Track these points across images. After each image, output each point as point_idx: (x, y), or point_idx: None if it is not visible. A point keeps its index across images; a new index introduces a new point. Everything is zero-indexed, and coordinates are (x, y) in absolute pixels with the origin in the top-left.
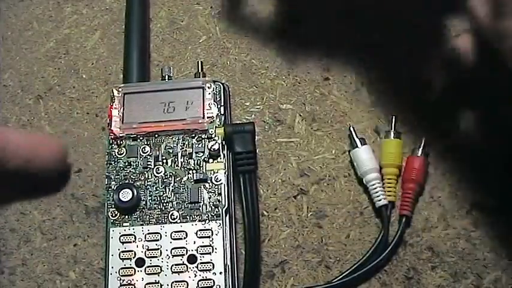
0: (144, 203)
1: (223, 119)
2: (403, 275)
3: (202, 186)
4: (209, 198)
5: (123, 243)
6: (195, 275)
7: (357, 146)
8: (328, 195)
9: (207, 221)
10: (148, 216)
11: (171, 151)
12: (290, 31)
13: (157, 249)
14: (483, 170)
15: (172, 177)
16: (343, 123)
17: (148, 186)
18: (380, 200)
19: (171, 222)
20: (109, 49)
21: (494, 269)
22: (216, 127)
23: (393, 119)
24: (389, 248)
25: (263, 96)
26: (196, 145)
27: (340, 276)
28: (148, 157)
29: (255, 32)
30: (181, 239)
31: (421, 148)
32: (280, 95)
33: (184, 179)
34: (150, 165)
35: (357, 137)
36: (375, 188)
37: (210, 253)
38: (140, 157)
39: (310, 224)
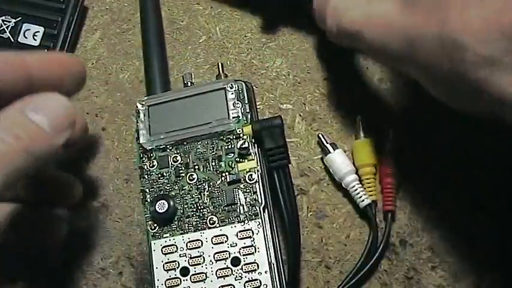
0: (181, 211)
1: (249, 116)
2: (403, 275)
3: (237, 187)
4: (245, 198)
5: (165, 254)
6: (241, 277)
7: (329, 152)
8: (328, 195)
9: (246, 221)
10: (187, 225)
11: (201, 156)
12: (290, 31)
13: (200, 256)
14: (484, 169)
15: (206, 182)
16: None
17: (183, 195)
18: (363, 201)
19: (210, 228)
20: (109, 49)
21: (494, 269)
22: (243, 126)
23: (359, 121)
24: (380, 247)
25: (263, 96)
26: (226, 147)
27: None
28: (180, 165)
29: (255, 31)
30: (222, 242)
31: (390, 142)
32: (280, 95)
33: (218, 182)
34: (183, 173)
35: (327, 142)
36: (356, 190)
37: (253, 253)
38: (172, 167)
39: (310, 224)
